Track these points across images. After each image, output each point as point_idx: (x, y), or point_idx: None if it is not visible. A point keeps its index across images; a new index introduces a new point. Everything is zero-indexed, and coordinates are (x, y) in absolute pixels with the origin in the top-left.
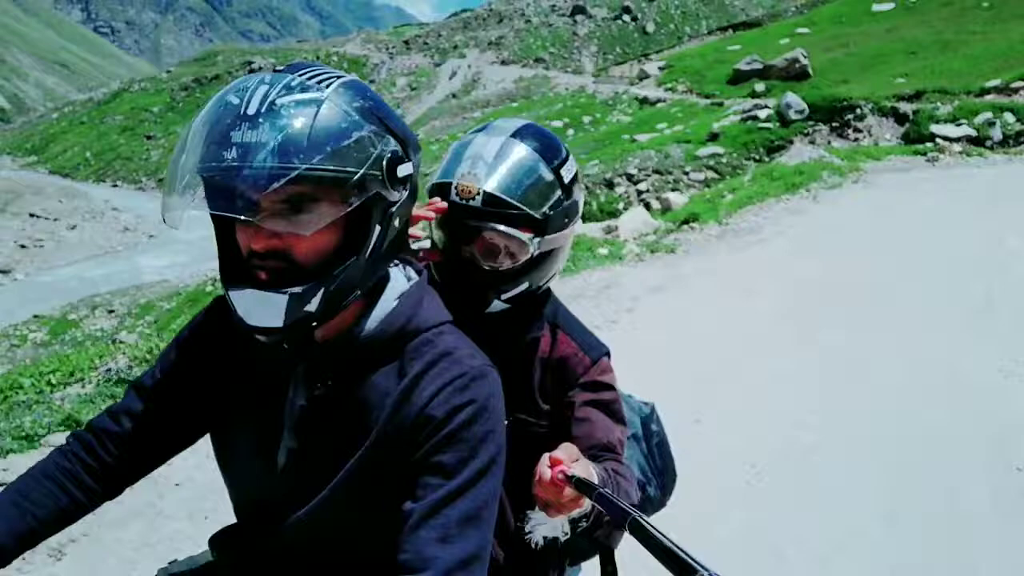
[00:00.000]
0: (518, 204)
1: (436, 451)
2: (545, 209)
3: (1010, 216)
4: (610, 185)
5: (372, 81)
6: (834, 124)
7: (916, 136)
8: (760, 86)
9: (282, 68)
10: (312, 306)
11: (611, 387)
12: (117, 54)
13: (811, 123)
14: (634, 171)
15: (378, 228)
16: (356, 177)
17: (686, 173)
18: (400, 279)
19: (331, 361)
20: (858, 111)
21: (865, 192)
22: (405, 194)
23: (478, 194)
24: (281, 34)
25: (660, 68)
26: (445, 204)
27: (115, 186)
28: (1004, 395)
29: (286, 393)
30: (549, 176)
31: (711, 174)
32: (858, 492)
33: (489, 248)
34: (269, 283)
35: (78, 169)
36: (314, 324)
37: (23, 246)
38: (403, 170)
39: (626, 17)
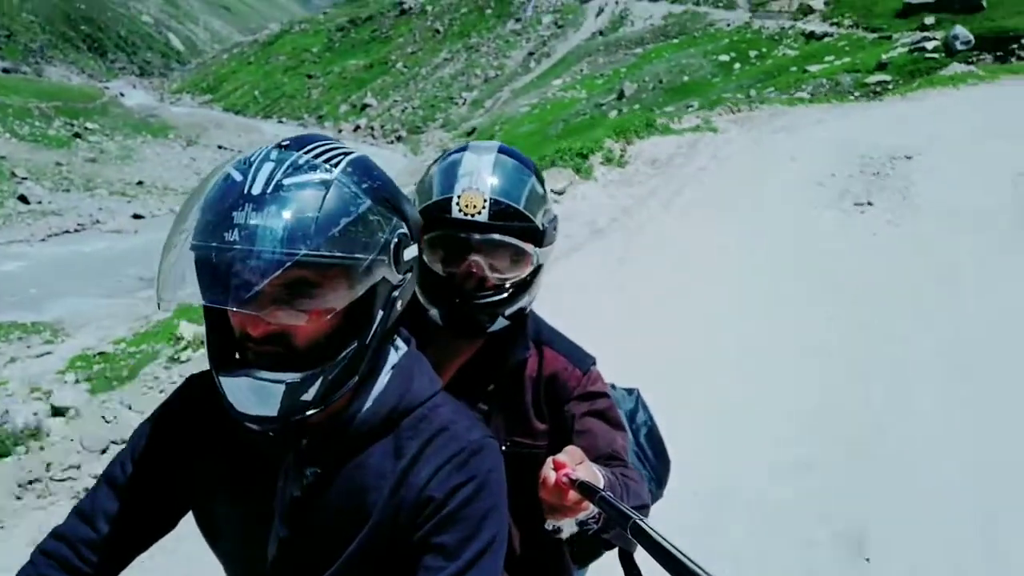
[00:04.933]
0: (525, 213)
1: (437, 532)
2: (543, 220)
3: None
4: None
5: (518, 20)
6: (999, 54)
7: None
8: (930, 19)
9: (288, 143)
10: (310, 395)
11: (605, 395)
12: None
13: (976, 52)
14: (807, 96)
15: (381, 312)
16: (365, 264)
17: (856, 98)
18: (390, 351)
19: (323, 447)
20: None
21: (998, 89)
22: (409, 276)
23: (484, 206)
24: None
25: (825, 2)
26: None
27: (280, 122)
28: None
29: (275, 480)
30: (540, 189)
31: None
32: None
33: (495, 262)
34: (264, 368)
35: (248, 107)
36: (309, 413)
37: None
38: (408, 253)
39: None
